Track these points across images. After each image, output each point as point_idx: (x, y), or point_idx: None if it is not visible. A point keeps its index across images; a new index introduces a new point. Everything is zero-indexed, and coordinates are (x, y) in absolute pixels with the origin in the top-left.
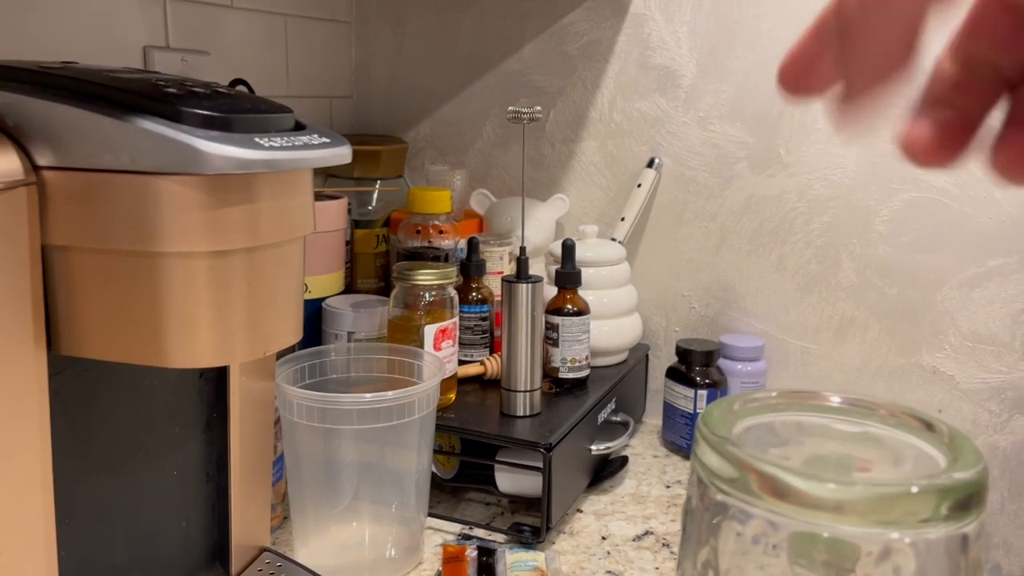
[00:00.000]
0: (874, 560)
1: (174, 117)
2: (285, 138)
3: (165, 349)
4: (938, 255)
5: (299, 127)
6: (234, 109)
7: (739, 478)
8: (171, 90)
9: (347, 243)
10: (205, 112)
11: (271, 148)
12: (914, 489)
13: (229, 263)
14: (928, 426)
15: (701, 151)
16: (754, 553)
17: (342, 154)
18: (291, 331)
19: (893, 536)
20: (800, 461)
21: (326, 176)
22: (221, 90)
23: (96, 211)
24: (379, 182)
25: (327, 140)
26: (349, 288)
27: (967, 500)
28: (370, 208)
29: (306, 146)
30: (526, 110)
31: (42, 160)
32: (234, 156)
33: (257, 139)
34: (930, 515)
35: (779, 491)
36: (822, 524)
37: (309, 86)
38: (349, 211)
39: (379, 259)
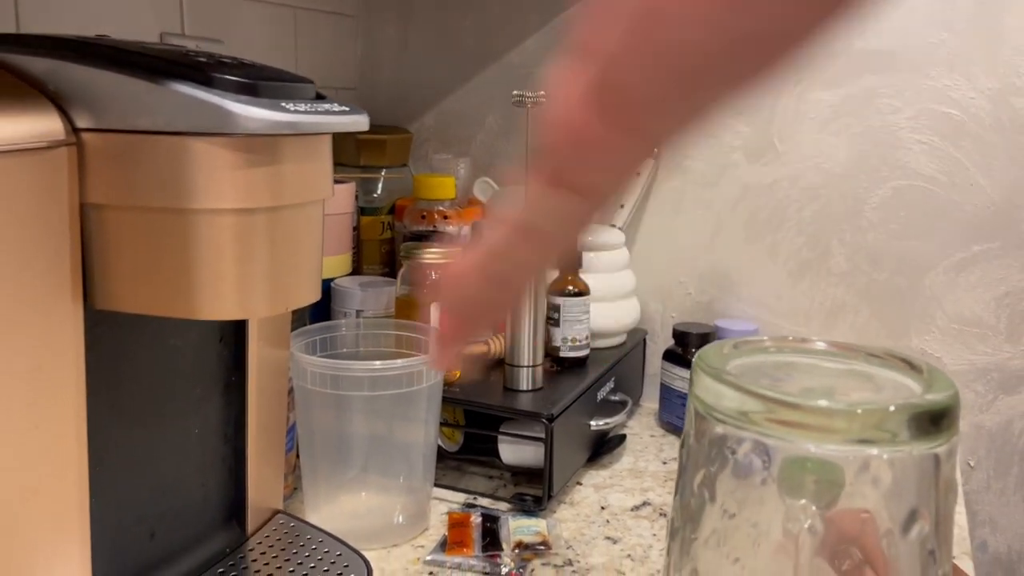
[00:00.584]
0: (853, 474)
1: (206, 82)
2: (309, 104)
3: (194, 302)
4: (925, 241)
5: (319, 97)
6: (261, 76)
7: (734, 405)
8: (201, 59)
9: (354, 229)
10: (235, 78)
11: (296, 112)
12: (891, 408)
13: (254, 220)
14: (908, 364)
15: (698, 140)
16: (748, 483)
17: (360, 121)
18: (310, 290)
19: (872, 452)
20: (789, 393)
21: (333, 163)
22: (247, 61)
23: (131, 170)
24: (384, 170)
25: (346, 109)
26: (355, 273)
27: (939, 419)
28: (375, 196)
29: (328, 112)
30: (531, 94)
31: (81, 122)
32: (263, 118)
33: (284, 103)
34: (906, 433)
35: (773, 413)
36: (810, 445)
37: (316, 76)
38: (356, 198)
39: (384, 245)
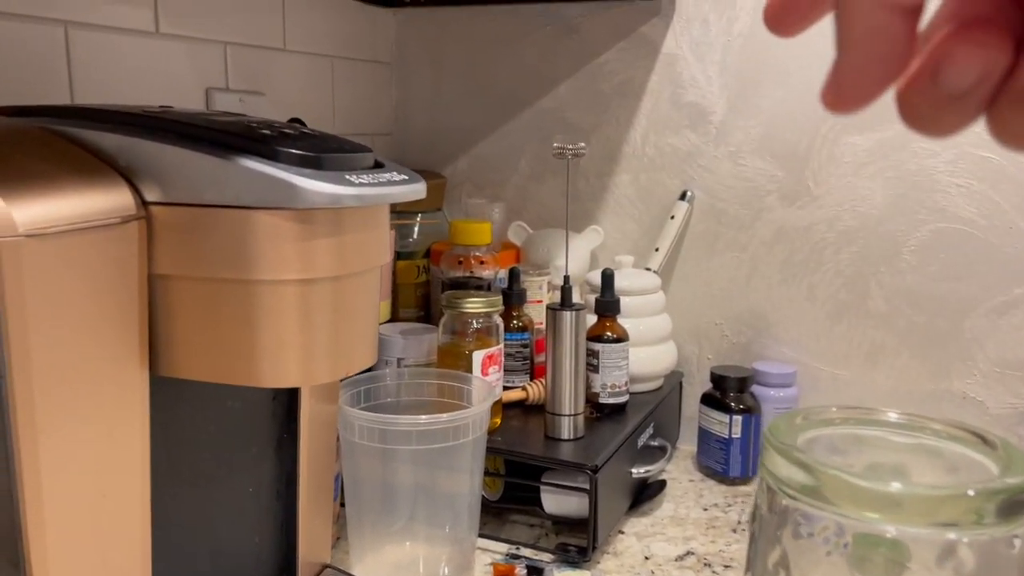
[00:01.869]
0: (933, 559)
1: (272, 156)
2: (370, 175)
3: (256, 370)
4: (965, 284)
5: (378, 165)
6: (323, 148)
7: (806, 483)
8: (265, 131)
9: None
10: (299, 151)
11: (360, 184)
12: (970, 492)
13: (316, 290)
14: (982, 439)
15: (732, 184)
16: (819, 554)
17: (418, 190)
18: (368, 354)
19: (950, 536)
20: (858, 469)
21: None
22: (306, 131)
23: (197, 242)
24: (420, 215)
25: (405, 177)
26: (392, 317)
27: (1020, 504)
28: (411, 240)
29: (388, 183)
30: (571, 146)
31: (150, 196)
32: (328, 192)
33: (348, 176)
34: (985, 517)
35: (844, 493)
36: (885, 525)
37: (353, 124)
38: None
39: (419, 289)
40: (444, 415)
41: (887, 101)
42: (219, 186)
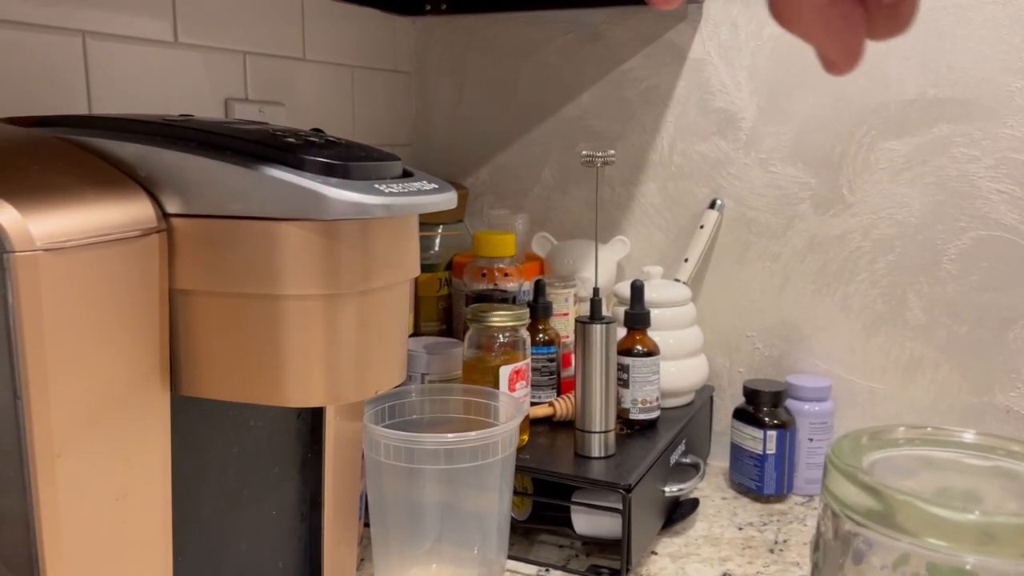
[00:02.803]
0: None
1: (297, 165)
2: (399, 184)
3: (282, 389)
4: (1008, 293)
5: (407, 174)
6: (350, 157)
7: (875, 508)
8: (290, 139)
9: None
10: (325, 160)
11: (389, 194)
12: None
13: (344, 305)
14: None
15: (763, 192)
16: None
17: (449, 199)
18: (398, 372)
19: None
20: (928, 493)
21: None
22: (332, 139)
23: (220, 255)
24: (441, 227)
25: (435, 186)
26: (414, 331)
27: None
28: (432, 252)
29: (418, 192)
30: (600, 154)
31: (171, 208)
32: (357, 201)
33: (376, 185)
34: None
35: (918, 520)
36: (964, 555)
37: (373, 134)
38: None
39: (441, 302)
40: (472, 433)
41: (929, 106)
42: (243, 196)
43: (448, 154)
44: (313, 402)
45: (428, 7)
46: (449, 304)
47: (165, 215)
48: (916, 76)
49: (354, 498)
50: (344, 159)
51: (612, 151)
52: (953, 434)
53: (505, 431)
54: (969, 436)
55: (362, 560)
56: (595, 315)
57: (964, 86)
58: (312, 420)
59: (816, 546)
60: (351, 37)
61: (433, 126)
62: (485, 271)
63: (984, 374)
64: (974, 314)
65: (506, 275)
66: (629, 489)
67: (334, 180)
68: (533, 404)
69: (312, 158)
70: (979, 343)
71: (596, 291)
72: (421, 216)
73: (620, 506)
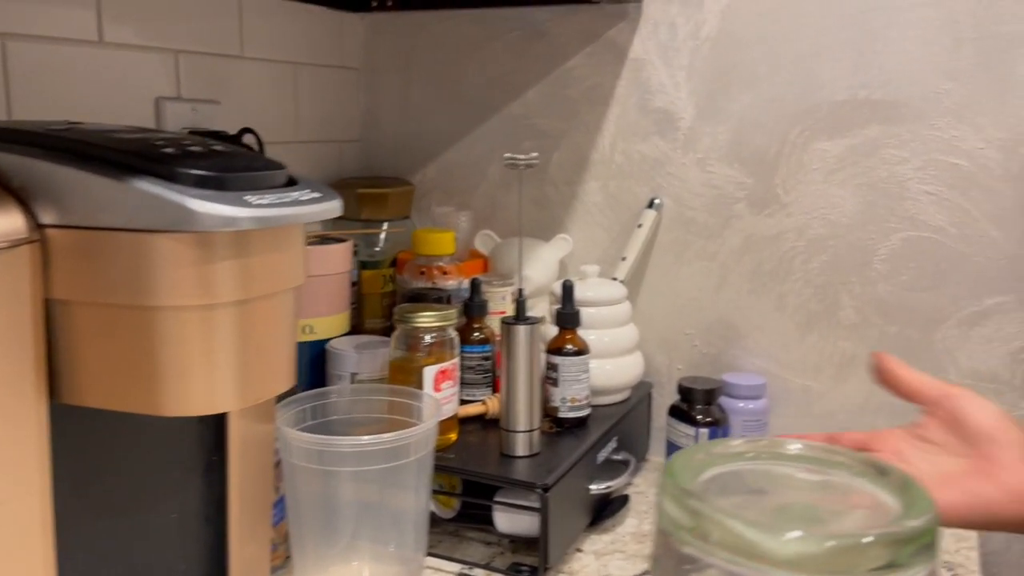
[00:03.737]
0: None
1: (169, 177)
2: (275, 195)
3: (160, 398)
4: (936, 293)
5: (291, 183)
6: (228, 168)
7: (697, 528)
8: (169, 150)
9: (354, 284)
10: (199, 172)
11: (259, 206)
12: (865, 540)
13: (221, 315)
14: (882, 472)
15: (700, 192)
16: None
17: (331, 208)
18: (282, 379)
19: None
20: (768, 511)
21: (335, 218)
22: (218, 148)
23: (95, 267)
24: (386, 223)
25: (317, 195)
26: (357, 328)
27: (917, 549)
28: (377, 249)
29: (295, 202)
30: (523, 157)
31: (45, 218)
32: (224, 214)
33: (247, 197)
34: (881, 564)
35: (736, 543)
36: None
37: (319, 131)
38: (356, 252)
39: (386, 299)
40: (387, 435)
41: (860, 107)
42: (113, 208)
43: (396, 150)
44: (190, 411)
45: (375, 3)
46: (394, 301)
47: (39, 225)
48: (848, 77)
49: (265, 500)
50: (221, 170)
51: (535, 154)
52: (783, 446)
53: (418, 433)
54: (796, 447)
55: (288, 557)
56: (520, 315)
57: (894, 88)
58: (216, 424)
59: (653, 559)
60: (295, 34)
61: (382, 122)
62: (424, 269)
63: None
64: (904, 314)
65: (445, 273)
66: (547, 488)
67: (205, 192)
68: (466, 402)
69: (186, 170)
70: (909, 342)
71: (520, 292)
72: (366, 213)
73: (539, 505)
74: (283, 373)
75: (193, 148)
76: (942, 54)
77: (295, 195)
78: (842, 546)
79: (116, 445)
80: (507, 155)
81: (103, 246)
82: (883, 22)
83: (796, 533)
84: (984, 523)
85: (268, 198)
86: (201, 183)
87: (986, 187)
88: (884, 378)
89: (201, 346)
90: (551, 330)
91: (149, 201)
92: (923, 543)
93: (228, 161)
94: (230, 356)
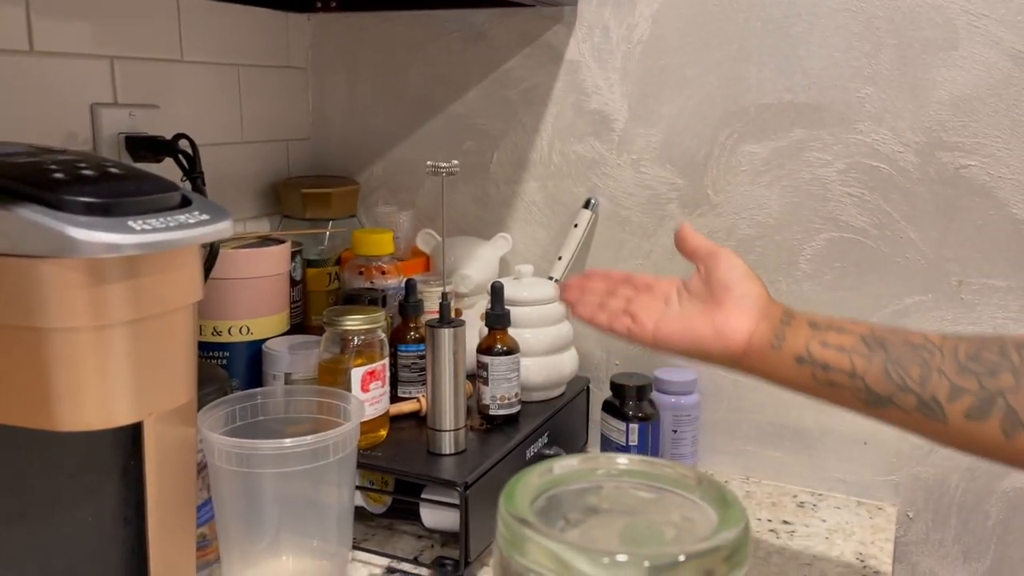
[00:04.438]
0: None
1: (55, 204)
2: (161, 219)
3: (55, 414)
4: (859, 293)
5: (184, 203)
6: (116, 193)
7: (525, 551)
8: (58, 175)
9: (298, 282)
10: (85, 199)
11: (143, 231)
12: (681, 558)
13: (112, 335)
14: (706, 486)
15: (634, 192)
16: None
17: (219, 230)
18: (180, 391)
19: None
20: (615, 532)
21: (281, 217)
22: (112, 170)
23: None
24: (331, 223)
25: (205, 217)
26: (302, 326)
27: (729, 555)
28: (323, 248)
29: (181, 226)
30: (444, 164)
31: None
32: (106, 241)
33: (131, 223)
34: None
35: (560, 566)
36: None
37: (265, 131)
38: (301, 251)
39: (331, 296)
40: (308, 437)
41: (785, 111)
42: (1, 235)
43: (344, 149)
44: (84, 426)
45: (319, 4)
46: (339, 299)
47: None
48: (773, 81)
49: (187, 500)
50: (108, 195)
51: (456, 161)
52: (619, 462)
53: (338, 435)
54: (624, 461)
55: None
56: (444, 319)
57: (817, 91)
58: (131, 429)
59: (494, 572)
60: (238, 36)
61: (329, 121)
62: (363, 269)
63: None
64: (829, 312)
65: (384, 273)
66: (467, 487)
67: (88, 219)
68: (401, 399)
69: (72, 197)
70: None
71: (444, 295)
72: (311, 211)
73: (458, 501)
74: (180, 385)
75: (85, 172)
76: (862, 59)
77: (182, 218)
78: (658, 565)
79: (23, 451)
80: (429, 163)
81: None
82: (805, 27)
83: (621, 556)
84: (696, 353)
85: (154, 222)
86: (88, 210)
87: (904, 189)
88: (677, 242)
89: (94, 364)
90: (481, 331)
91: (33, 229)
92: (732, 554)
93: (118, 186)
94: (123, 373)
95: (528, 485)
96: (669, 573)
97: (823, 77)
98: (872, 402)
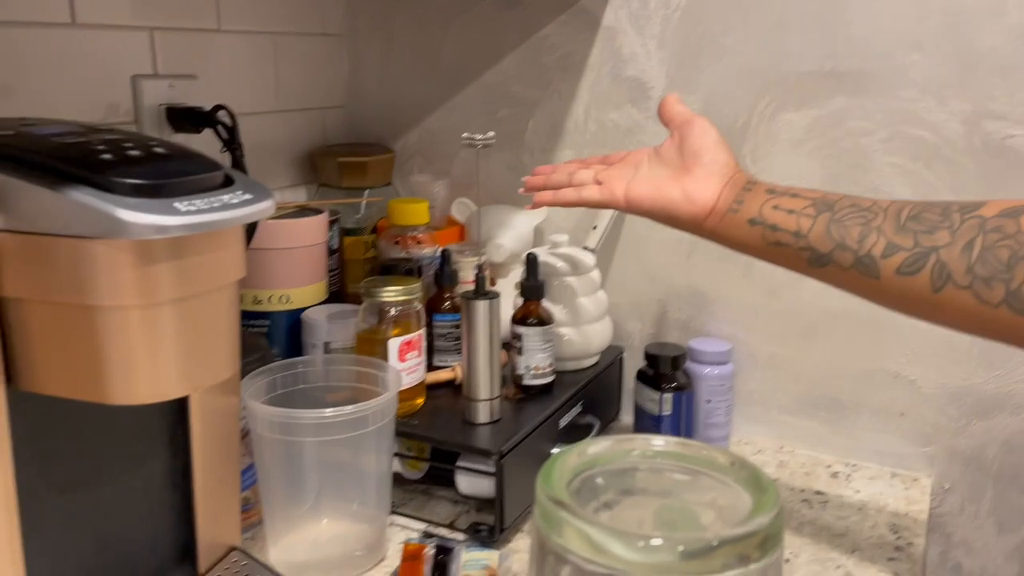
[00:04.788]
0: None
1: (103, 186)
2: (205, 199)
3: (108, 389)
4: None
5: (227, 183)
6: (162, 174)
7: (561, 531)
8: (106, 156)
9: (335, 251)
10: (132, 180)
11: (188, 213)
12: (715, 543)
13: (160, 313)
14: (736, 465)
15: None
16: None
17: (262, 210)
18: (225, 366)
19: None
20: (650, 514)
21: (318, 186)
22: (158, 151)
23: (40, 269)
24: (367, 192)
25: (249, 197)
26: (340, 294)
27: (762, 544)
28: (359, 216)
29: (224, 206)
30: (480, 136)
31: None
32: (154, 223)
33: (177, 204)
34: (730, 562)
35: (593, 548)
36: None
37: (301, 99)
38: (338, 219)
39: (368, 265)
40: (347, 407)
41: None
42: (50, 216)
43: (379, 117)
44: (136, 400)
45: None
46: (376, 267)
47: None
48: (815, 48)
49: (232, 466)
50: (155, 177)
51: (491, 133)
52: (656, 444)
53: (377, 405)
54: (661, 442)
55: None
56: (479, 291)
57: (860, 59)
58: (179, 401)
59: (532, 549)
60: (273, 4)
61: (364, 89)
62: (398, 239)
63: (876, 341)
64: None
65: (419, 243)
66: (503, 455)
67: (135, 201)
68: (437, 368)
69: (119, 179)
70: (872, 310)
71: (480, 267)
72: (347, 181)
73: (494, 470)
74: (225, 362)
75: (132, 152)
76: (908, 25)
77: (226, 198)
78: (692, 550)
79: (79, 423)
80: (464, 135)
81: (46, 250)
82: None
83: (655, 541)
84: (663, 216)
85: (199, 203)
86: (136, 191)
87: (949, 159)
88: (659, 109)
89: (144, 341)
90: (516, 301)
91: (83, 211)
92: (767, 538)
93: (163, 166)
94: (172, 349)
95: (565, 465)
96: (703, 558)
97: (867, 44)
98: (813, 261)
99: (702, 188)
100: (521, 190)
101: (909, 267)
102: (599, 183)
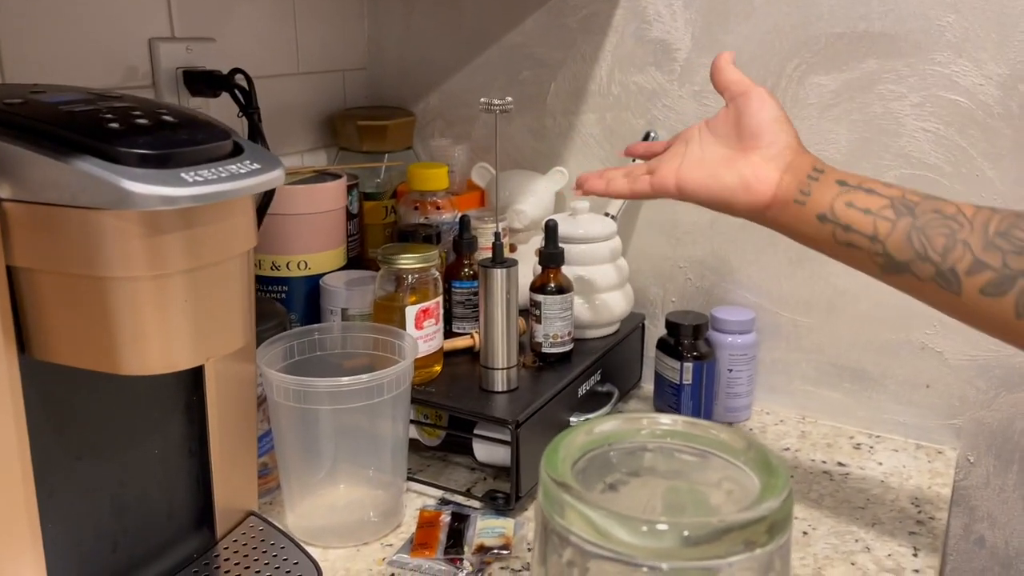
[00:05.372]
0: None
1: (111, 157)
2: (213, 170)
3: (119, 359)
4: None
5: (236, 152)
6: (170, 144)
7: (564, 514)
8: (114, 125)
9: (355, 216)
10: (140, 150)
11: (195, 183)
12: (721, 528)
13: (170, 283)
14: (746, 447)
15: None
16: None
17: (270, 180)
18: (238, 336)
19: (708, 564)
20: (658, 495)
21: (338, 150)
22: (166, 119)
23: (49, 239)
24: (387, 155)
25: (256, 167)
26: (359, 259)
27: (770, 528)
28: (379, 180)
29: (232, 176)
30: (498, 101)
31: (2, 192)
32: (159, 194)
33: (184, 175)
34: (736, 548)
35: (597, 531)
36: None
37: (321, 61)
38: (356, 186)
39: (387, 229)
40: (363, 376)
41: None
42: (58, 187)
43: (400, 79)
44: (148, 370)
45: None
46: (396, 231)
47: None
48: (847, 8)
49: (248, 432)
50: (161, 146)
51: (509, 98)
52: (663, 423)
53: (393, 374)
54: (667, 421)
55: (278, 486)
56: (496, 259)
57: (894, 19)
58: (194, 369)
59: (536, 527)
60: None
61: (385, 51)
62: (418, 204)
63: (902, 312)
64: None
65: (438, 208)
66: (518, 424)
67: (142, 172)
68: (456, 335)
69: (126, 150)
70: None
71: (497, 235)
72: (367, 146)
73: (510, 439)
74: (236, 332)
75: (140, 121)
76: None
77: (233, 168)
78: (697, 535)
79: (95, 391)
80: (483, 99)
81: (55, 220)
82: None
83: (660, 526)
84: (720, 205)
85: (205, 173)
86: (143, 161)
87: (983, 125)
88: (712, 71)
89: (154, 311)
90: (535, 270)
91: (90, 181)
92: (778, 522)
93: (171, 135)
94: (183, 319)
95: (571, 445)
96: (708, 542)
97: (901, 4)
98: (887, 267)
99: (761, 175)
100: (576, 191)
101: (995, 288)
102: (650, 171)
